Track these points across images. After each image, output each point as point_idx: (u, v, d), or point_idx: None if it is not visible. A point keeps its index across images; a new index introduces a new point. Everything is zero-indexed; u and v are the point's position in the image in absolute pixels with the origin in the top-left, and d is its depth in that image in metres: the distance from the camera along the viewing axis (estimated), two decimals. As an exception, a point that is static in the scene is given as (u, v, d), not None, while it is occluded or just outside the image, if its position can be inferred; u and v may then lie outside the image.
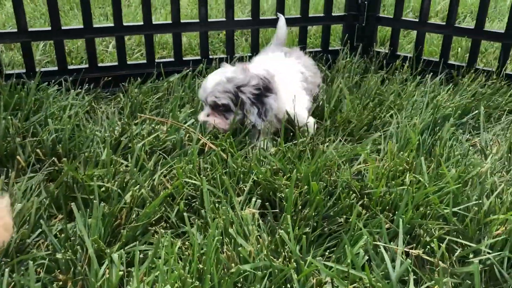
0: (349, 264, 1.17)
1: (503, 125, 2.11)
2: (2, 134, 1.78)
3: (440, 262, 1.21)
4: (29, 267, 1.14)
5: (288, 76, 1.98)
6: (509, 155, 1.83)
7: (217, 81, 1.80)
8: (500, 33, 2.42)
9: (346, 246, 1.23)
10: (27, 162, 1.71)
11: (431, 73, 2.51)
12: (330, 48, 2.84)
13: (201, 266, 1.19)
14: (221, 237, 1.28)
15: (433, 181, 1.52)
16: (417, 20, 2.65)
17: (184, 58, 2.57)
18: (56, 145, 1.77)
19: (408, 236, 1.36)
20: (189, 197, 1.52)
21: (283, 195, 1.48)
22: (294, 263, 1.18)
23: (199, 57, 2.59)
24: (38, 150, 1.75)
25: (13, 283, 1.17)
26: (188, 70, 2.41)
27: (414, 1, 4.08)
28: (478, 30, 2.46)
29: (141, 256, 1.25)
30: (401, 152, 1.67)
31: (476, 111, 2.12)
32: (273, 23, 2.61)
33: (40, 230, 1.38)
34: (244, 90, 1.78)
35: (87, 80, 2.32)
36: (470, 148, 1.86)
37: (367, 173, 1.60)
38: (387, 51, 2.74)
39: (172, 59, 2.55)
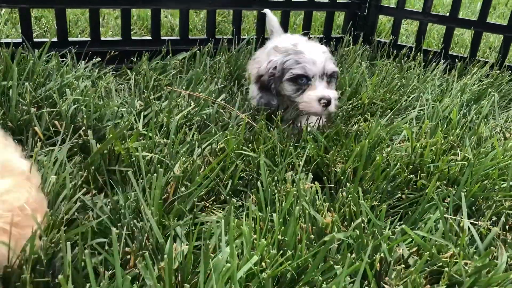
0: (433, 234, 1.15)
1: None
2: (15, 103, 1.60)
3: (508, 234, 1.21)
4: (112, 238, 1.01)
5: None
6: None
7: (323, 50, 1.68)
8: (503, 25, 2.51)
9: (422, 217, 1.20)
10: (45, 135, 1.55)
11: (434, 63, 2.57)
12: (332, 35, 2.83)
13: (280, 237, 1.11)
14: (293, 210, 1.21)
15: (478, 158, 1.53)
16: (420, 10, 2.69)
17: (190, 37, 2.45)
18: (77, 116, 1.62)
19: (469, 210, 1.36)
20: (242, 171, 1.43)
21: (338, 170, 1.43)
22: (378, 234, 1.14)
23: (205, 37, 2.49)
24: (56, 122, 1.59)
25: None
26: (196, 49, 2.30)
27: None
28: (481, 22, 2.54)
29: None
30: (442, 129, 1.67)
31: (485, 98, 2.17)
32: (280, 6, 2.57)
33: (78, 204, 1.24)
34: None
35: (90, 54, 2.15)
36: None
37: (413, 147, 1.58)
38: (386, 41, 2.77)
39: (178, 37, 2.42)
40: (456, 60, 2.56)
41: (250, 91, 1.81)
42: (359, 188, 1.33)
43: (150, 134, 1.50)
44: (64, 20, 2.14)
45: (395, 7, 2.75)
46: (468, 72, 2.42)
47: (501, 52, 2.51)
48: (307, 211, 1.20)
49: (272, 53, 1.77)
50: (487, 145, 1.65)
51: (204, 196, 1.35)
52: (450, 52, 2.67)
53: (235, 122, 1.66)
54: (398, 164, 1.45)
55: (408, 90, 2.08)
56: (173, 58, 2.24)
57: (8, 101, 1.62)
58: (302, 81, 1.63)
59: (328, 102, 1.59)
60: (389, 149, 1.57)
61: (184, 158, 1.39)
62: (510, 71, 2.45)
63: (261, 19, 2.58)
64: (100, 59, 2.09)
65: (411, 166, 1.49)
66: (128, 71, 2.14)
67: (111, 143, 1.38)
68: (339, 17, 3.33)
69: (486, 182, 1.38)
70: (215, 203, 1.35)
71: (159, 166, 1.34)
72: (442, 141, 1.57)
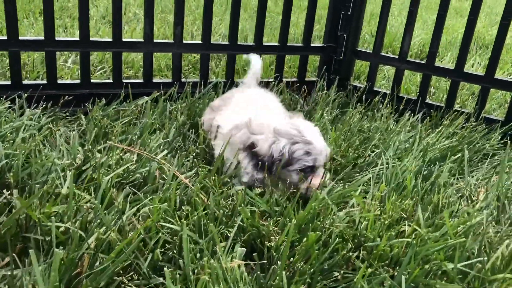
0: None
1: (486, 170, 2.05)
2: None
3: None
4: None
5: None
6: (498, 203, 1.76)
7: (319, 132, 1.67)
8: (480, 75, 2.41)
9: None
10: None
11: (409, 112, 2.47)
12: (306, 79, 2.74)
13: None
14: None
15: (431, 232, 1.41)
16: (396, 56, 2.60)
17: (154, 80, 2.37)
18: (6, 172, 1.53)
19: (411, 295, 1.23)
20: (165, 243, 1.32)
21: (272, 244, 1.32)
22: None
23: (170, 80, 2.41)
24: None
25: None
26: (158, 93, 2.22)
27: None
28: (458, 71, 2.44)
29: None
30: (394, 197, 1.56)
31: (459, 154, 2.06)
32: (250, 49, 2.49)
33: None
34: None
35: (44, 98, 2.07)
36: (454, 193, 1.79)
37: (359, 219, 1.46)
38: (362, 86, 2.67)
39: (141, 80, 2.35)
40: (431, 110, 2.46)
41: (231, 160, 1.66)
42: (289, 268, 1.21)
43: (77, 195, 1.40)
44: (18, 62, 2.07)
45: (371, 52, 2.66)
46: (442, 123, 2.30)
47: (478, 103, 2.40)
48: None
49: (254, 126, 1.66)
50: (449, 213, 1.53)
51: (121, 271, 1.24)
52: (427, 100, 2.57)
53: (175, 182, 1.55)
54: (339, 238, 1.34)
55: (370, 145, 1.97)
56: (130, 103, 2.16)
57: None
58: (308, 169, 1.60)
59: None
60: (335, 217, 1.45)
61: (103, 228, 1.28)
62: (487, 123, 2.34)
63: (231, 61, 2.50)
64: (51, 103, 2.01)
65: (356, 240, 1.38)
66: (82, 116, 2.06)
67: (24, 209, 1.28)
68: (316, 60, 3.25)
69: (430, 265, 1.26)
70: (134, 278, 1.24)
71: (73, 236, 1.23)
72: (391, 212, 1.45)
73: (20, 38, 2.03)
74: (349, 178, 1.81)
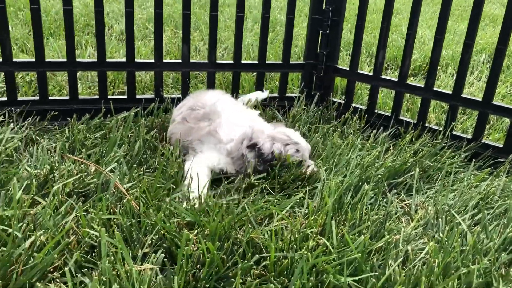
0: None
1: (439, 187, 2.10)
2: None
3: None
4: None
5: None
6: (435, 221, 1.82)
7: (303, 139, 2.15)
8: (448, 93, 2.44)
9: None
10: None
11: (382, 128, 2.54)
12: (287, 95, 2.87)
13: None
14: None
15: (340, 247, 1.51)
16: (371, 74, 2.68)
17: (137, 96, 2.59)
18: (-21, 180, 1.77)
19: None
20: (93, 247, 1.51)
21: (183, 252, 1.47)
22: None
23: (152, 96, 2.62)
24: None
25: None
26: (137, 109, 2.43)
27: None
28: (427, 89, 2.49)
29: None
30: (318, 213, 1.67)
31: (413, 172, 2.12)
32: (228, 67, 2.65)
33: None
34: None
35: (35, 113, 2.34)
36: (398, 211, 1.86)
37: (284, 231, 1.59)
38: (342, 101, 2.77)
39: (125, 96, 2.57)
40: (400, 128, 2.52)
41: (237, 152, 2.07)
42: (192, 273, 1.36)
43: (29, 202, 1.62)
44: (13, 81, 2.35)
45: (348, 69, 2.75)
46: (403, 141, 2.36)
47: (446, 121, 2.44)
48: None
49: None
50: (361, 229, 1.62)
51: (51, 269, 1.44)
52: (400, 117, 2.62)
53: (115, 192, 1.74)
54: (246, 248, 1.47)
55: (318, 163, 2.07)
56: (110, 118, 2.38)
57: None
58: (300, 162, 2.05)
59: None
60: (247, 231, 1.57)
61: (39, 233, 1.49)
62: (453, 140, 2.37)
63: (211, 79, 2.68)
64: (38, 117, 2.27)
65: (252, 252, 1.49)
66: (66, 129, 2.30)
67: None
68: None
69: (313, 278, 1.36)
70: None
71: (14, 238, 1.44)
72: (307, 226, 1.56)
73: (14, 60, 2.32)
74: (291, 192, 1.93)
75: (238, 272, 1.32)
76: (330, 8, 2.68)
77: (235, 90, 2.71)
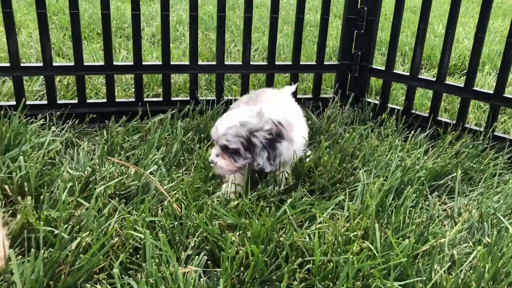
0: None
1: (482, 189, 2.04)
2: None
3: None
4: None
5: (300, 123, 2.11)
6: (479, 224, 1.77)
7: (230, 125, 1.81)
8: (489, 93, 2.38)
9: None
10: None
11: (419, 128, 2.49)
12: (321, 96, 2.84)
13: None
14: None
15: (384, 251, 1.48)
16: (407, 74, 2.63)
17: (172, 98, 2.61)
18: (24, 182, 1.81)
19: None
20: (137, 248, 1.52)
21: (227, 255, 1.47)
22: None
23: (187, 98, 2.64)
24: (6, 186, 1.79)
25: None
26: (173, 111, 2.45)
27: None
28: (467, 88, 2.42)
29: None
30: (360, 216, 1.64)
31: (455, 174, 2.06)
32: (263, 69, 2.65)
33: None
34: (257, 134, 1.81)
35: (74, 116, 2.38)
36: (441, 214, 1.82)
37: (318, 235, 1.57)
38: (377, 102, 2.72)
39: (160, 99, 2.59)
40: (438, 129, 2.46)
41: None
42: (237, 276, 1.35)
43: (74, 203, 1.65)
44: (53, 85, 2.40)
45: (383, 69, 2.70)
46: (443, 143, 2.31)
47: (487, 121, 2.37)
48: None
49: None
50: (405, 233, 1.59)
51: (97, 270, 1.46)
52: (438, 117, 2.56)
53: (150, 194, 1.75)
54: (289, 251, 1.46)
55: (355, 165, 2.04)
56: (147, 121, 2.41)
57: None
58: None
59: None
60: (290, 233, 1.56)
61: (86, 233, 1.51)
62: (495, 142, 2.31)
63: (245, 80, 2.68)
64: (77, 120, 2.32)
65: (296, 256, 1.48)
66: (105, 132, 2.34)
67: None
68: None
69: (359, 283, 1.34)
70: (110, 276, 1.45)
71: (61, 239, 1.47)
72: (349, 230, 1.54)
73: (54, 64, 2.37)
74: (329, 194, 1.91)
75: (285, 275, 1.31)
76: (365, 8, 2.65)
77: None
